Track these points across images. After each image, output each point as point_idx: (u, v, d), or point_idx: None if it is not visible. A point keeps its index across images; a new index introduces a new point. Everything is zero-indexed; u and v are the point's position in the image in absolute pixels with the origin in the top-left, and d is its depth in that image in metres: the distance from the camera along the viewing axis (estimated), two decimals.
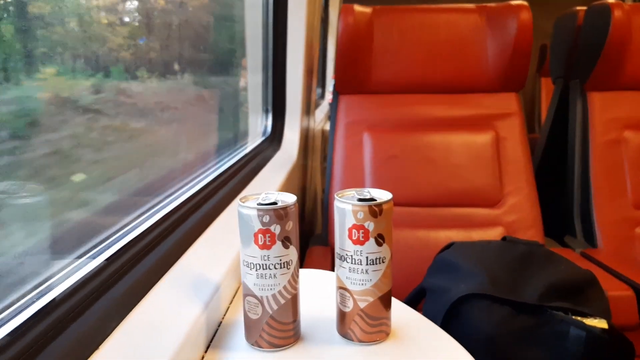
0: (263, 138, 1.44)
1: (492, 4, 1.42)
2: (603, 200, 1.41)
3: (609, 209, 1.40)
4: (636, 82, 1.47)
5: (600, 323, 0.78)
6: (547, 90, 3.37)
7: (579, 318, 0.79)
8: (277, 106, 1.46)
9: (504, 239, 1.00)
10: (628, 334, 0.79)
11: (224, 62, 1.34)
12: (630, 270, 1.17)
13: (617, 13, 1.40)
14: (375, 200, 0.52)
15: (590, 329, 0.77)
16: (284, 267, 0.51)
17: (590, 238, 1.41)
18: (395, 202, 0.53)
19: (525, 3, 1.36)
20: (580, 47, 1.56)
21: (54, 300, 0.42)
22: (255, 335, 0.53)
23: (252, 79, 1.44)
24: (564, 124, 1.58)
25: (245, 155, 1.19)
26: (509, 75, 1.39)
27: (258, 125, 1.47)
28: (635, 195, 1.39)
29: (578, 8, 1.61)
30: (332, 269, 0.58)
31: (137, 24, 0.77)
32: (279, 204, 0.50)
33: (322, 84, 3.23)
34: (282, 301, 0.52)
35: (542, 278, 0.85)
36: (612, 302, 0.91)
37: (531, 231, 1.31)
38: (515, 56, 1.36)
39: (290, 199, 0.52)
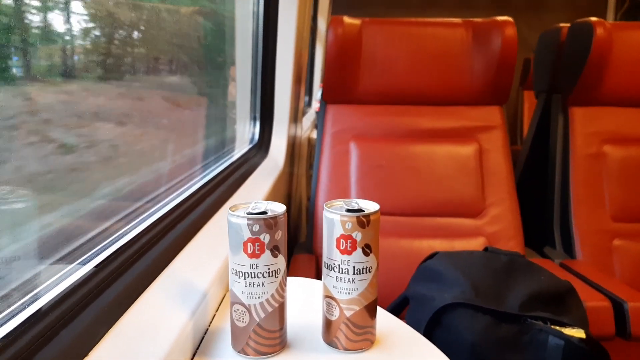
0: (251, 145, 1.45)
1: (479, 19, 1.45)
2: (582, 213, 1.44)
3: (587, 221, 1.43)
4: (616, 98, 1.51)
5: (578, 332, 0.80)
6: (529, 103, 3.44)
7: (557, 327, 0.81)
8: (265, 114, 1.47)
9: (485, 249, 1.02)
10: (605, 344, 0.81)
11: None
12: (608, 281, 1.20)
13: (599, 30, 1.44)
14: (364, 210, 0.53)
15: (568, 338, 0.79)
16: (272, 275, 0.52)
17: (569, 249, 1.45)
18: (380, 211, 0.55)
19: (511, 19, 1.40)
20: (563, 62, 1.60)
21: (43, 307, 0.42)
22: (241, 342, 0.53)
23: (241, 87, 1.45)
24: (545, 137, 1.62)
25: (233, 162, 1.20)
26: (493, 89, 1.42)
27: (245, 133, 1.47)
28: (613, 208, 1.43)
29: (561, 25, 1.65)
30: (317, 277, 0.59)
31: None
32: (269, 213, 0.51)
33: (310, 92, 3.25)
34: (270, 309, 0.52)
35: (522, 288, 0.87)
36: (590, 312, 0.94)
37: (512, 242, 1.33)
38: (499, 71, 1.39)
39: (279, 208, 0.53)
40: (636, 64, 1.49)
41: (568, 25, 1.61)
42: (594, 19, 1.47)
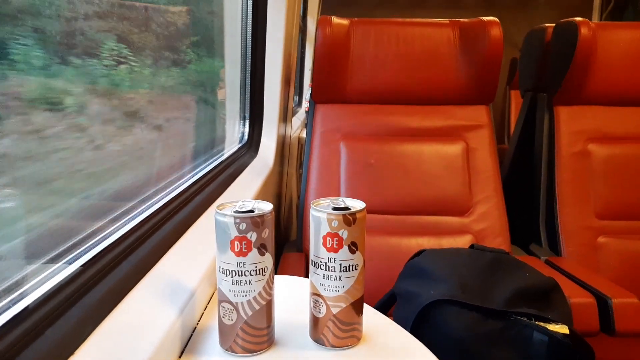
0: (240, 145, 1.45)
1: (465, 20, 1.46)
2: (567, 210, 1.46)
3: (573, 219, 1.45)
4: (601, 97, 1.53)
5: (562, 328, 0.82)
6: (516, 102, 3.47)
7: (542, 323, 0.82)
8: (254, 114, 1.47)
9: (472, 246, 1.03)
10: (589, 340, 0.83)
11: None
12: (592, 278, 1.22)
13: (583, 30, 1.46)
14: (350, 209, 0.54)
15: (552, 334, 0.80)
16: (259, 273, 0.52)
17: (554, 246, 1.46)
18: (369, 209, 0.55)
19: (496, 19, 1.41)
20: (548, 62, 1.62)
21: (29, 306, 0.42)
22: (229, 340, 0.54)
23: (230, 87, 1.45)
24: (531, 136, 1.64)
25: (223, 161, 1.20)
26: (479, 89, 1.44)
27: (235, 132, 1.47)
28: (598, 206, 1.45)
29: (547, 25, 1.67)
30: (306, 275, 0.59)
31: None
32: (256, 211, 0.52)
33: (299, 92, 3.25)
34: (257, 307, 0.53)
35: (508, 285, 0.89)
36: (574, 308, 0.96)
37: (499, 239, 1.35)
38: (485, 70, 1.40)
39: (266, 206, 0.53)
40: (620, 64, 1.51)
41: (553, 25, 1.63)
42: (578, 19, 1.49)
